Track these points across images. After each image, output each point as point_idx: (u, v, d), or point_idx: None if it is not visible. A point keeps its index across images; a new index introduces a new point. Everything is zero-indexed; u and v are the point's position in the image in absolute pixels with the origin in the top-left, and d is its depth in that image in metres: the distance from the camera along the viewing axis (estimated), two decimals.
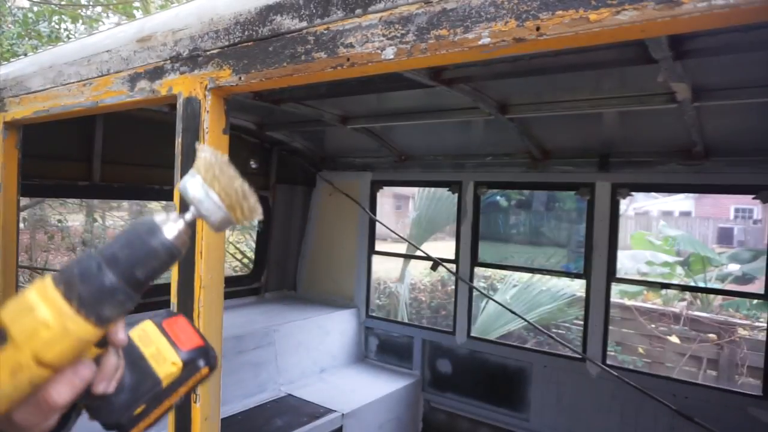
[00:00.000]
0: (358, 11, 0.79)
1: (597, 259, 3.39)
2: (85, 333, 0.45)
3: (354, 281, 4.56)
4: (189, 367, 0.54)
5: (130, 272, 0.48)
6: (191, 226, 0.52)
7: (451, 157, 3.97)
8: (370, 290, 4.61)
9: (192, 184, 0.51)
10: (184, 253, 0.52)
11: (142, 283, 0.49)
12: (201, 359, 0.55)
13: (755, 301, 6.66)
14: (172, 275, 1.11)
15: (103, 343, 0.49)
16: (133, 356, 0.54)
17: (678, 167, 3.08)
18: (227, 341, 3.28)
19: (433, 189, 7.52)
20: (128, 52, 1.18)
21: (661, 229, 9.89)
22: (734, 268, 8.14)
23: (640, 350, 6.79)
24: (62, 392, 0.46)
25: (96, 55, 1.25)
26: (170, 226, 0.51)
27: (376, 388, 3.91)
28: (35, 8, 6.74)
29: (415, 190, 8.71)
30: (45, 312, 0.45)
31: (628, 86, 2.60)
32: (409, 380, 4.08)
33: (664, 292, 7.57)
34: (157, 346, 0.54)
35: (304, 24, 0.86)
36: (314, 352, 4.11)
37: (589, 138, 3.33)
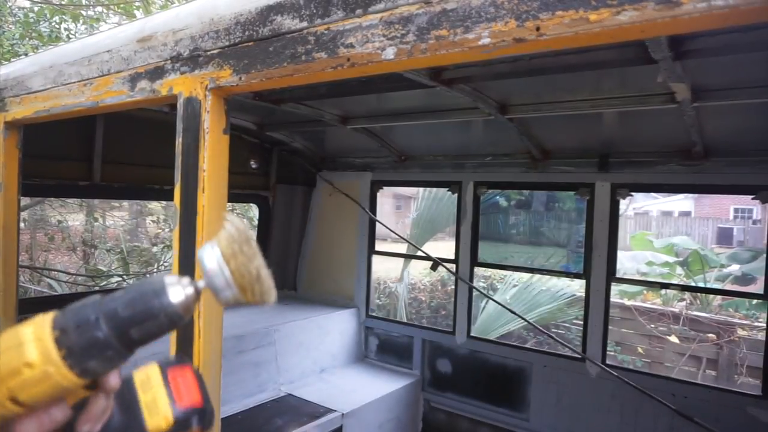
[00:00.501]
0: (359, 11, 0.79)
1: (597, 259, 3.39)
2: (66, 382, 0.45)
3: (354, 281, 4.56)
4: (180, 424, 0.53)
5: (125, 330, 0.47)
6: (200, 294, 0.52)
7: (451, 157, 3.98)
8: (370, 290, 4.61)
9: (209, 256, 0.51)
10: (187, 319, 0.51)
11: (135, 343, 0.48)
12: (195, 419, 0.54)
13: (755, 301, 6.66)
14: None
15: (93, 385, 0.49)
16: (128, 399, 0.53)
17: (677, 167, 3.08)
18: (227, 341, 3.28)
19: (434, 189, 7.53)
20: (129, 52, 1.18)
21: (660, 241, 9.87)
22: (734, 268, 8.14)
23: (640, 350, 6.80)
24: (29, 431, 0.45)
25: (96, 55, 1.26)
26: (178, 290, 0.50)
27: (376, 387, 3.91)
28: (36, 8, 6.74)
29: (416, 190, 8.71)
30: (32, 352, 0.44)
31: (628, 86, 2.60)
32: (409, 380, 4.08)
33: (663, 292, 7.57)
34: (155, 395, 0.53)
35: (305, 24, 0.87)
36: (314, 352, 4.12)
37: (589, 138, 3.33)
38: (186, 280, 0.51)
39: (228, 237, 0.51)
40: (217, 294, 0.51)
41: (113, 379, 0.49)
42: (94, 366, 0.46)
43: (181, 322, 0.50)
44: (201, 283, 0.52)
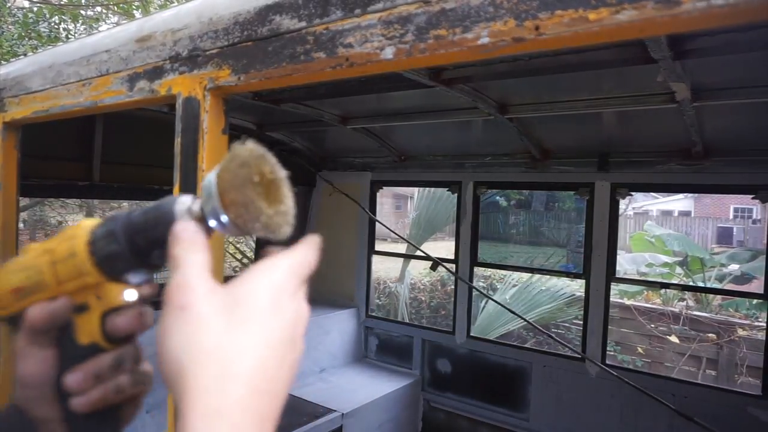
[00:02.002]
0: (357, 11, 0.79)
1: (596, 258, 3.39)
2: (86, 266, 0.51)
3: (354, 281, 4.56)
4: None
5: (133, 237, 0.50)
6: (201, 213, 0.49)
7: (451, 157, 3.98)
8: (370, 290, 4.61)
9: (209, 174, 0.49)
10: None
11: (142, 249, 0.50)
12: None
13: (755, 301, 6.66)
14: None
15: (118, 341, 0.52)
16: None
17: (677, 167, 3.08)
18: None
19: (432, 189, 7.53)
20: (127, 52, 1.18)
21: (647, 228, 9.88)
22: (733, 267, 8.14)
23: (640, 350, 6.80)
24: (37, 311, 0.51)
25: (95, 55, 1.25)
26: (185, 201, 0.50)
27: (375, 387, 3.91)
28: (35, 8, 6.74)
29: (414, 189, 8.71)
30: (75, 241, 0.52)
31: (628, 86, 2.60)
32: (408, 380, 4.08)
33: (663, 291, 7.58)
34: None
35: (303, 24, 0.86)
36: (314, 352, 4.12)
37: (589, 138, 3.33)
38: (195, 198, 0.51)
39: (231, 155, 0.47)
40: (205, 207, 0.48)
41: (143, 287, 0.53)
42: (110, 262, 0.50)
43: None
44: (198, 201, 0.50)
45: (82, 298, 0.52)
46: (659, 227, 11.42)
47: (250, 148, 0.47)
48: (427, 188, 7.66)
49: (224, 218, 0.47)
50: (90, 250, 0.50)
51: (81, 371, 0.50)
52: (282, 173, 0.50)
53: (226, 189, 0.46)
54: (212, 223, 0.48)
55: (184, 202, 0.50)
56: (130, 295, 0.52)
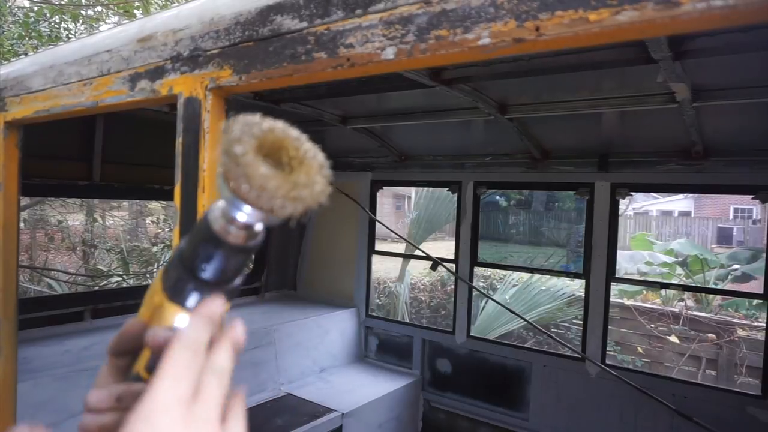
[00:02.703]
0: (359, 11, 0.79)
1: (596, 258, 3.39)
2: (159, 300, 0.48)
3: (354, 281, 4.56)
4: None
5: (190, 265, 0.46)
6: (231, 209, 0.44)
7: (451, 157, 3.98)
8: (370, 290, 4.61)
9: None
10: (234, 243, 0.45)
11: (190, 262, 0.47)
12: None
13: (755, 301, 6.66)
14: None
15: None
16: None
17: (677, 167, 3.08)
18: None
19: (431, 188, 7.53)
20: (129, 51, 1.18)
21: (659, 245, 9.86)
22: (733, 268, 8.14)
23: (640, 350, 6.80)
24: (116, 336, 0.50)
25: (96, 55, 1.25)
26: (217, 204, 0.45)
27: (375, 387, 3.91)
28: (35, 8, 6.74)
29: (412, 189, 8.71)
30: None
31: (628, 86, 2.61)
32: (408, 380, 4.09)
33: (663, 292, 7.58)
34: None
35: (305, 24, 0.87)
36: (314, 352, 4.12)
37: (589, 138, 3.33)
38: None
39: (224, 136, 0.42)
40: (223, 196, 0.43)
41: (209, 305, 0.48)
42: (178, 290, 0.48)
43: (218, 240, 0.45)
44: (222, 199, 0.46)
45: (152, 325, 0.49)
46: (668, 242, 11.32)
47: (239, 125, 0.43)
48: (426, 188, 7.67)
49: (243, 205, 0.42)
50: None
51: (104, 390, 0.46)
52: (290, 132, 0.44)
53: (227, 173, 0.41)
54: (240, 216, 0.43)
55: (216, 205, 0.45)
56: (182, 320, 0.47)
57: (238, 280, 0.49)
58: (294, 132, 0.45)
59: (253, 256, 4.83)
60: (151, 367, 0.46)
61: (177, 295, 0.47)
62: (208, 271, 0.46)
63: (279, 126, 0.44)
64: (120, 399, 0.46)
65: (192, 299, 0.47)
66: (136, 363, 0.48)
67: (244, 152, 0.41)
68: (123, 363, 0.49)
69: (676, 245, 9.21)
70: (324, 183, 0.44)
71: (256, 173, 0.41)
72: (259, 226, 0.45)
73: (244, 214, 0.43)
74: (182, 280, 0.46)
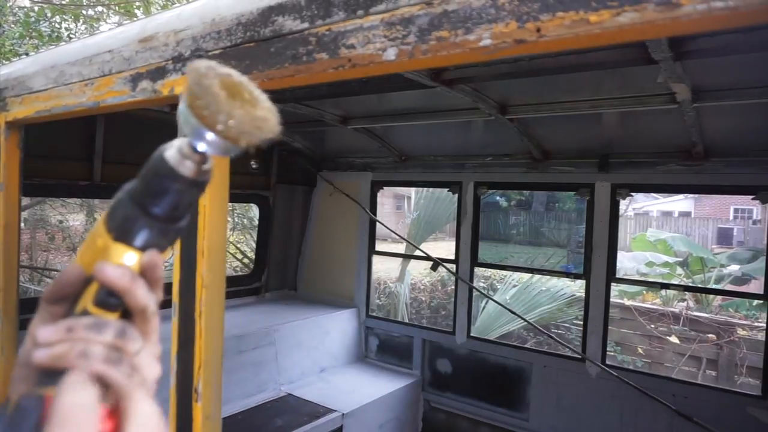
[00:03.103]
0: (360, 12, 0.80)
1: (597, 259, 3.39)
2: (98, 227, 0.49)
3: (354, 281, 4.56)
4: None
5: (141, 202, 0.48)
6: (192, 146, 0.47)
7: (452, 157, 3.98)
8: (370, 290, 4.61)
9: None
10: (188, 175, 0.47)
11: (141, 200, 0.48)
12: None
13: (755, 302, 6.66)
14: (174, 275, 1.11)
15: (107, 306, 0.50)
16: None
17: (678, 168, 3.08)
18: (227, 341, 3.28)
19: (431, 189, 7.53)
20: (130, 52, 1.18)
21: (651, 234, 9.87)
22: (734, 268, 8.14)
23: (640, 350, 6.80)
24: (50, 285, 0.51)
25: (98, 55, 1.26)
26: (171, 143, 0.48)
27: (376, 387, 3.91)
28: (36, 8, 6.75)
29: (411, 189, 8.71)
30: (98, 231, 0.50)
31: (628, 87, 2.61)
32: (409, 380, 4.09)
33: (663, 292, 7.58)
34: None
35: (306, 25, 0.87)
36: (314, 352, 4.12)
37: (589, 138, 3.34)
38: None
39: (189, 77, 0.46)
40: (188, 134, 0.46)
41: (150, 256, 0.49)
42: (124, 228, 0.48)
43: (173, 173, 0.47)
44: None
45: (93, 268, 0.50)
46: (662, 231, 11.39)
47: (203, 64, 0.46)
48: (426, 188, 7.67)
49: (207, 133, 0.45)
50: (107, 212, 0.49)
51: (54, 324, 0.47)
52: (242, 77, 0.48)
53: (195, 103, 0.45)
54: (201, 146, 0.46)
55: (171, 144, 0.48)
56: (130, 258, 0.48)
57: (185, 220, 0.51)
58: (246, 78, 0.48)
59: (253, 256, 4.82)
60: (102, 302, 0.48)
61: (125, 235, 0.48)
62: (160, 207, 0.47)
63: (234, 71, 0.47)
64: (71, 329, 0.46)
65: (141, 237, 0.48)
66: (80, 302, 0.49)
67: (212, 84, 0.44)
68: (59, 310, 0.50)
69: (668, 238, 9.18)
70: (276, 119, 0.48)
71: (226, 101, 0.44)
72: (210, 163, 0.48)
73: (204, 144, 0.46)
74: (131, 218, 0.48)
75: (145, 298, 0.49)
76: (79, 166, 3.34)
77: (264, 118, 0.46)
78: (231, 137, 0.45)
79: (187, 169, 0.47)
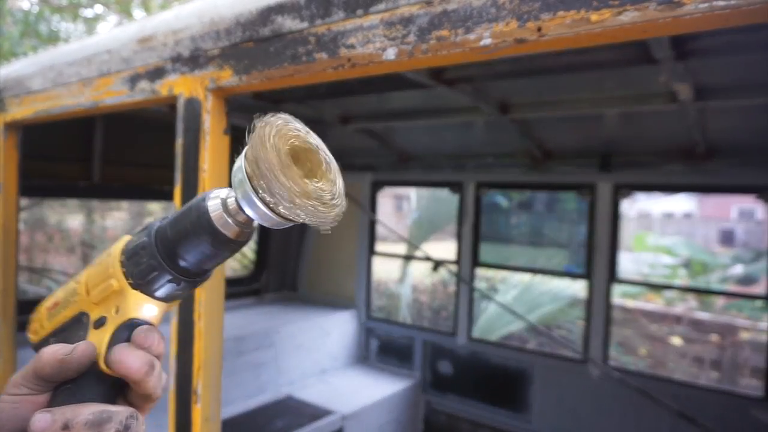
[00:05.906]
0: (359, 12, 0.79)
1: (598, 260, 3.38)
2: (113, 266, 0.46)
3: (354, 282, 4.55)
4: None
5: (171, 248, 0.44)
6: (239, 206, 0.42)
7: (452, 157, 3.97)
8: (371, 291, 4.60)
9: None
10: (229, 236, 0.43)
11: (170, 249, 0.44)
12: None
13: (758, 303, 6.64)
14: None
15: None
16: None
17: (680, 168, 3.07)
18: (227, 342, 3.28)
19: (432, 189, 7.53)
20: (129, 52, 1.18)
21: (653, 240, 9.87)
22: (736, 269, 8.12)
23: (642, 352, 6.78)
24: (48, 352, 0.47)
25: (96, 56, 1.25)
26: (217, 192, 0.43)
27: (376, 389, 3.90)
28: (35, 8, 6.75)
29: (411, 190, 8.70)
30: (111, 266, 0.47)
31: (630, 86, 2.60)
32: (409, 382, 4.08)
33: (666, 293, 7.56)
34: None
35: (305, 24, 0.86)
36: (315, 353, 4.11)
37: (591, 138, 3.33)
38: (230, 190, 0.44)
39: (254, 132, 0.42)
40: (238, 194, 0.41)
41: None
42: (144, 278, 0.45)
43: (213, 230, 0.42)
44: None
45: (104, 310, 0.46)
46: (663, 236, 11.35)
47: (274, 120, 0.43)
48: (426, 188, 7.66)
49: (260, 205, 0.40)
50: (122, 249, 0.46)
51: (51, 415, 0.41)
52: (314, 140, 0.44)
53: (255, 171, 0.40)
54: (249, 211, 0.41)
55: (216, 193, 0.44)
56: (150, 310, 0.45)
57: (210, 273, 0.48)
58: (320, 142, 0.45)
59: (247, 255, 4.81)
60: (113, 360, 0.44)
61: (147, 285, 0.45)
62: (190, 262, 0.44)
63: (310, 133, 0.44)
64: (68, 427, 0.41)
65: (164, 290, 0.45)
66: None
67: (280, 156, 0.40)
68: (47, 384, 0.45)
69: (670, 243, 9.17)
70: (343, 207, 0.44)
71: (292, 185, 0.40)
72: (254, 226, 0.44)
73: (253, 212, 0.41)
74: (156, 269, 0.44)
75: (157, 387, 0.45)
76: (78, 166, 3.34)
77: (331, 204, 0.43)
78: (285, 219, 0.42)
79: (229, 229, 0.43)
